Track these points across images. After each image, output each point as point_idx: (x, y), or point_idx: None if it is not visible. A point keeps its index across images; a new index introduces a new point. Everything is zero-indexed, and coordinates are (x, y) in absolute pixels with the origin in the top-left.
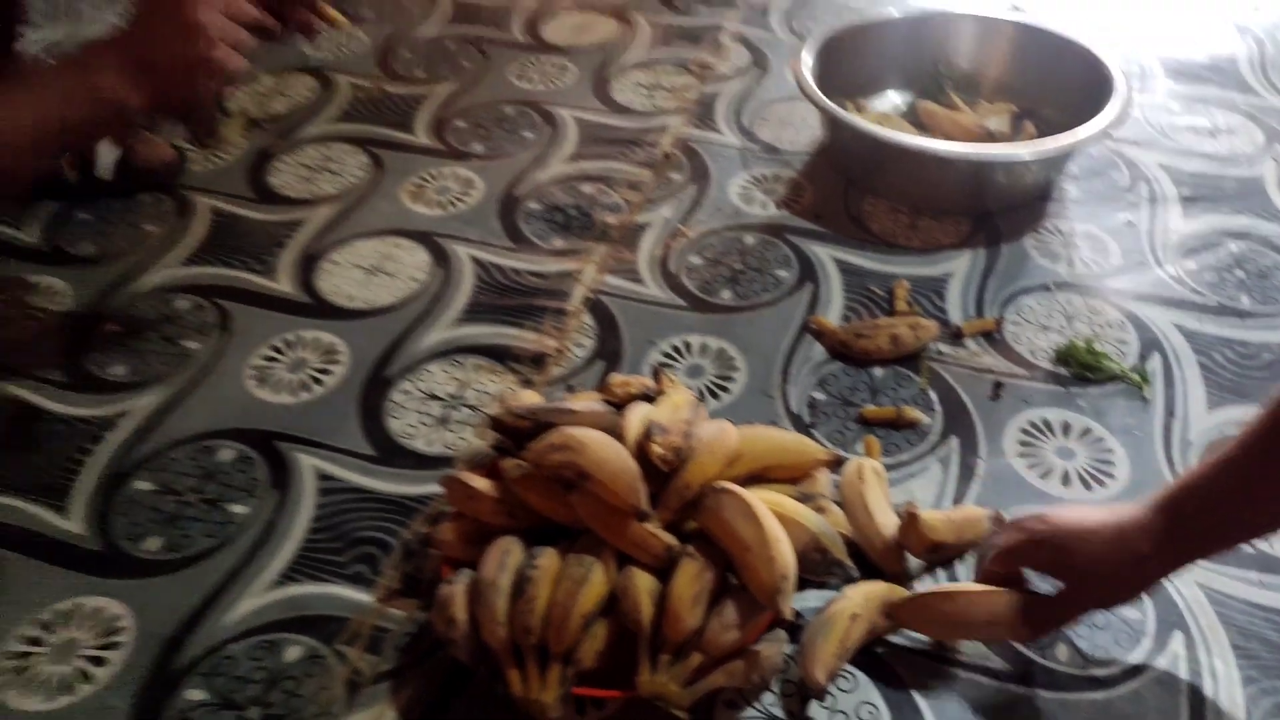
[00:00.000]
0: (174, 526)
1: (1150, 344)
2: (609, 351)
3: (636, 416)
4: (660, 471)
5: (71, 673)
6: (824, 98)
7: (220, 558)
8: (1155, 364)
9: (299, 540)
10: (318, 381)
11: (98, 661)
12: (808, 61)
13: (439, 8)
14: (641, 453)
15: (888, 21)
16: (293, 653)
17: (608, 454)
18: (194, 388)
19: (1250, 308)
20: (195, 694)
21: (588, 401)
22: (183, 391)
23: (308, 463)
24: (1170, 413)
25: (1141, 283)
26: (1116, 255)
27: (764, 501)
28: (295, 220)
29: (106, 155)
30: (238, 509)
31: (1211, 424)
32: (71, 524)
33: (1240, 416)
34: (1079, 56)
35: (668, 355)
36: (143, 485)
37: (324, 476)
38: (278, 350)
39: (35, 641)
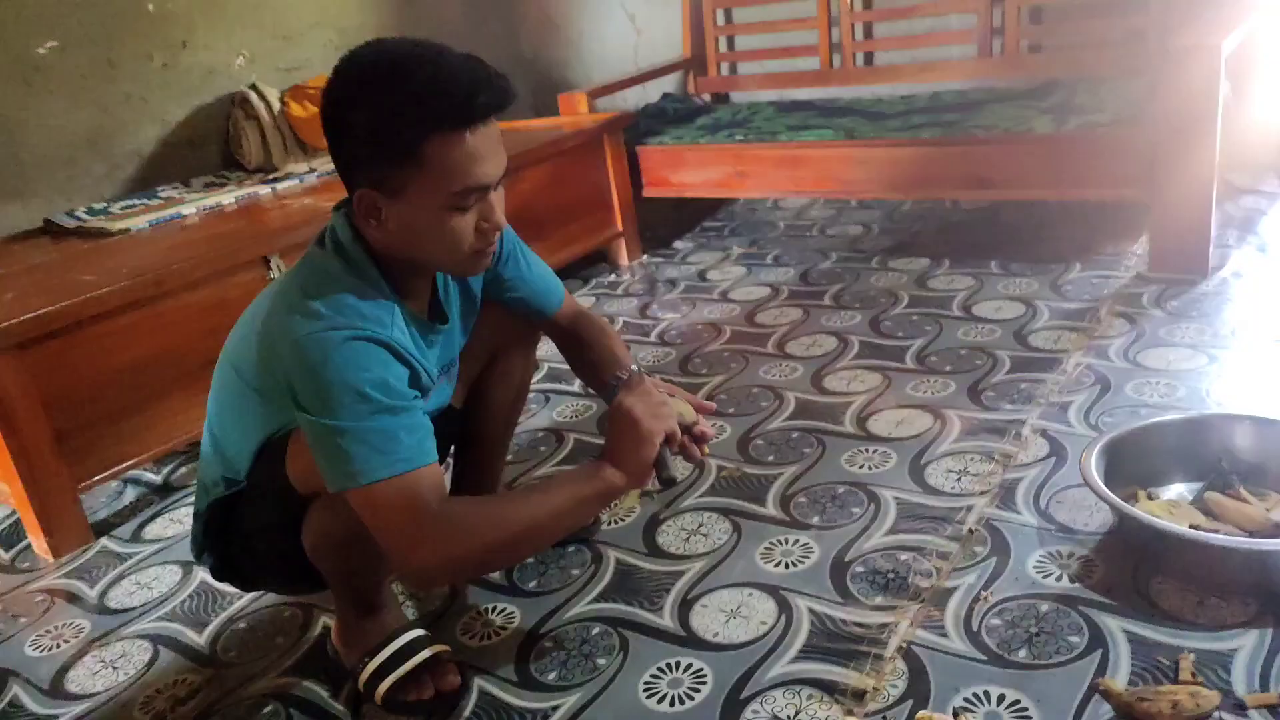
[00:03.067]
0: None
1: None
2: (919, 693)
3: None
4: None
5: None
6: (1107, 491)
7: None
8: None
9: None
10: (690, 697)
11: None
12: (1095, 457)
13: (786, 406)
14: None
15: (1170, 422)
16: None
17: None
18: (601, 693)
19: None
20: None
21: None
22: (594, 696)
23: None
24: None
25: None
26: None
27: None
28: (676, 571)
29: None
30: None
31: None
32: None
33: None
34: None
35: (968, 701)
36: None
37: None
38: (661, 670)
39: None
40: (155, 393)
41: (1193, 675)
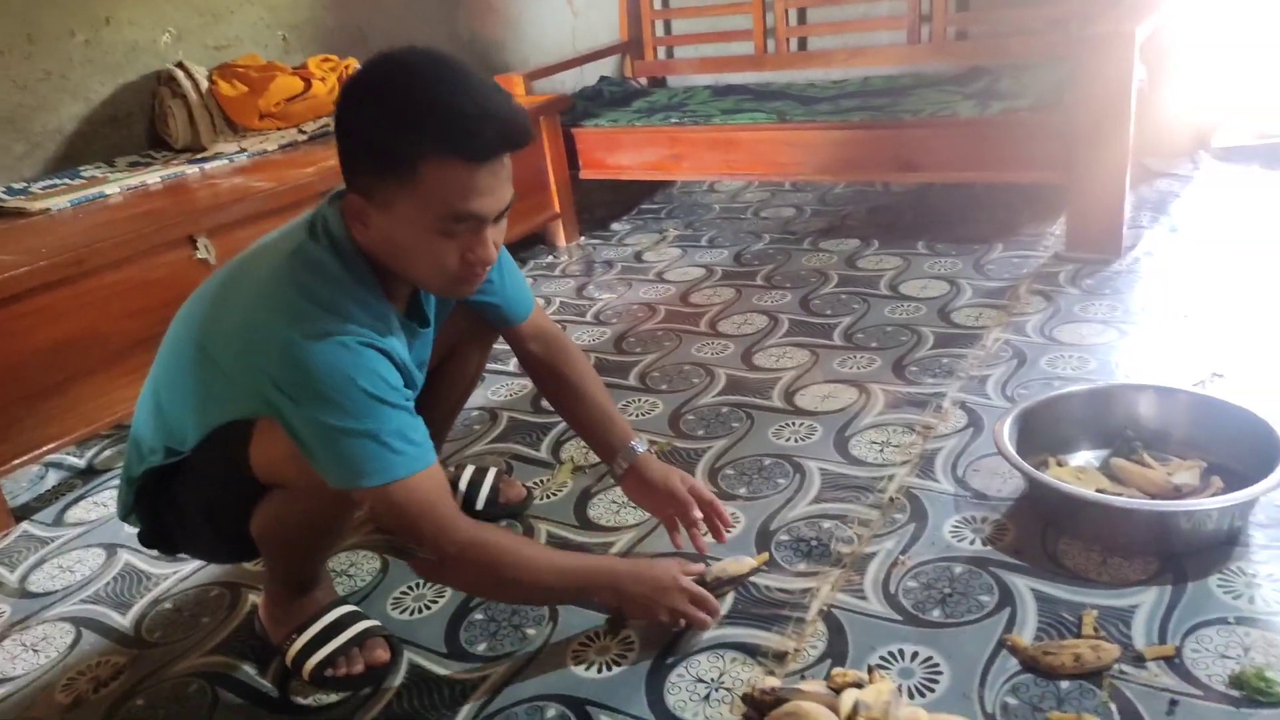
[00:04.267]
0: None
1: None
2: (837, 653)
3: (848, 696)
4: None
5: None
6: (1019, 459)
7: None
8: None
9: None
10: (618, 663)
11: None
12: (1008, 427)
13: (716, 382)
14: None
15: (1079, 393)
16: None
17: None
18: (530, 662)
19: None
20: None
21: (814, 685)
22: (523, 665)
23: None
24: None
25: None
26: None
27: None
28: (607, 542)
29: (482, 494)
30: None
31: None
32: None
33: None
34: (1249, 422)
35: (884, 659)
36: None
37: None
38: (589, 639)
39: None
40: (77, 374)
41: (1095, 630)
